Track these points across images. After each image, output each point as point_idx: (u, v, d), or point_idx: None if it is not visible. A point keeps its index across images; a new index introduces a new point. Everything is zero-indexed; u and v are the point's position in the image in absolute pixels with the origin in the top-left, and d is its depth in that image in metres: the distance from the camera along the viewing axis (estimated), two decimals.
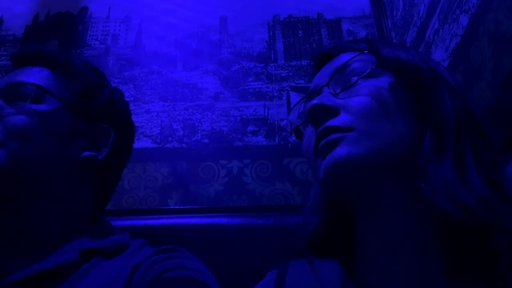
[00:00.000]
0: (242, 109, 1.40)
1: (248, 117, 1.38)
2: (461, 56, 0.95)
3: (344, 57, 0.51)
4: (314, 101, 0.47)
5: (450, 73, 0.51)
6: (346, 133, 0.44)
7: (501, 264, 0.37)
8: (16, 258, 0.55)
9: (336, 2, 1.59)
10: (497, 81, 0.79)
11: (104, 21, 1.65)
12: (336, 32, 1.54)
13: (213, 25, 1.59)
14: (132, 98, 1.42)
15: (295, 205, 1.20)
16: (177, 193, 1.24)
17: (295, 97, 1.39)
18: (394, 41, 1.42)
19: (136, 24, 1.63)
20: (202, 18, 1.61)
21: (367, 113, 0.45)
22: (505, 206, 0.39)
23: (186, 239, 0.76)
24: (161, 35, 1.58)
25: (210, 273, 0.59)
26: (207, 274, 0.58)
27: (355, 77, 0.48)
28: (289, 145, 1.31)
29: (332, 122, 0.45)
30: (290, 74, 1.46)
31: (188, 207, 1.21)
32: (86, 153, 0.63)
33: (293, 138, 0.70)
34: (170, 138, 1.35)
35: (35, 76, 0.63)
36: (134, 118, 0.75)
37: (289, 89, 1.42)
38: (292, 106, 0.66)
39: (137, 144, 0.82)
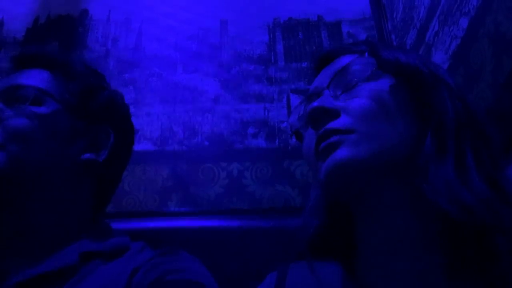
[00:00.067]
0: (242, 112, 1.40)
1: (248, 119, 1.38)
2: (461, 58, 0.95)
3: (345, 60, 0.52)
4: (315, 104, 0.47)
5: (450, 75, 0.51)
6: (346, 135, 0.44)
7: (501, 264, 0.37)
8: (16, 258, 0.55)
9: (336, 5, 1.59)
10: (497, 82, 0.79)
11: (104, 23, 1.65)
12: (336, 35, 1.54)
13: (213, 28, 1.59)
14: (132, 101, 1.41)
15: (295, 208, 1.19)
16: (177, 195, 1.24)
17: (295, 99, 1.39)
18: (394, 43, 1.42)
19: (136, 27, 1.63)
20: (202, 20, 1.61)
21: (367, 115, 0.45)
22: (505, 207, 0.39)
23: (186, 241, 0.76)
24: (161, 37, 1.58)
25: (210, 275, 0.59)
26: (207, 276, 0.58)
27: (355, 80, 0.48)
28: (290, 147, 1.31)
29: (333, 124, 0.45)
30: (290, 76, 1.45)
31: (188, 210, 1.21)
32: (86, 155, 0.63)
33: (294, 140, 0.70)
34: (170, 141, 1.35)
35: (34, 78, 0.63)
36: (134, 120, 0.75)
37: (290, 91, 1.42)
38: (292, 108, 0.66)
39: (137, 147, 0.82)
